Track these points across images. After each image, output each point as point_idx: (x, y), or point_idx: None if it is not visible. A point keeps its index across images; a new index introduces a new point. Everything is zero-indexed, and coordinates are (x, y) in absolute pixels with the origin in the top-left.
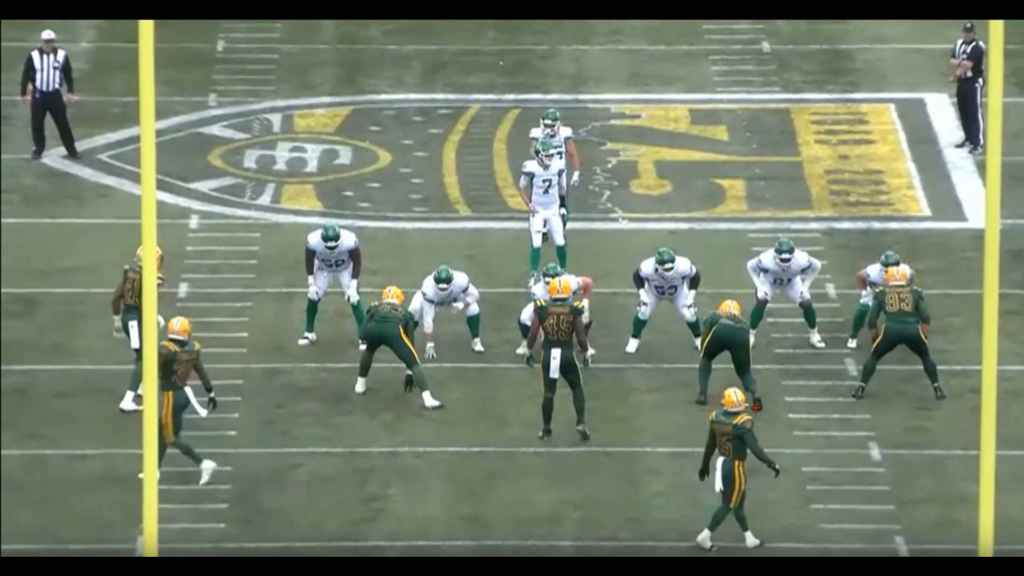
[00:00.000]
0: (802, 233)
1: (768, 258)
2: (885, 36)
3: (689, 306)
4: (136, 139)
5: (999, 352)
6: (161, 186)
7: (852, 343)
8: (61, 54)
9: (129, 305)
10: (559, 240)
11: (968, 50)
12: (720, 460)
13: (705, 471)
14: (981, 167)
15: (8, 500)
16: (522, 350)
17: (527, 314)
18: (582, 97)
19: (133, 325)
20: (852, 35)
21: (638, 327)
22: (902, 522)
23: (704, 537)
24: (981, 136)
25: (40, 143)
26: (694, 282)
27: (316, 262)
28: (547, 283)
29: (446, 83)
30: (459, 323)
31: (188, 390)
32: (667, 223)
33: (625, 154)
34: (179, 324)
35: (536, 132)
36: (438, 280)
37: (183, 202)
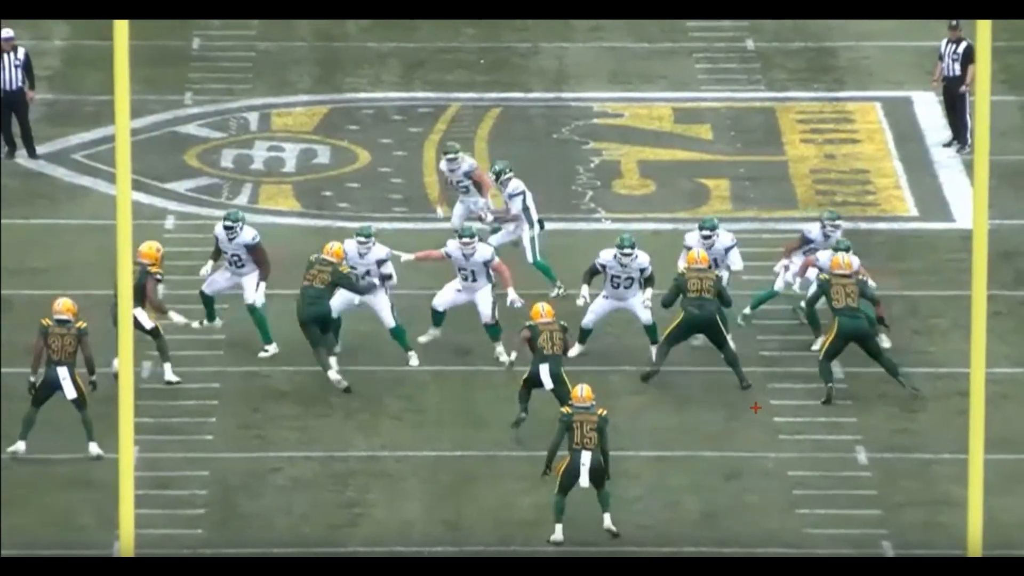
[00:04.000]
0: (788, 233)
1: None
2: (870, 33)
3: (647, 305)
4: (111, 138)
5: (987, 354)
6: (136, 186)
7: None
8: (21, 51)
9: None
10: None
11: (959, 51)
12: (586, 455)
13: (549, 467)
14: (969, 166)
15: None
16: (504, 357)
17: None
18: (564, 95)
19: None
20: (837, 32)
21: (584, 335)
22: (889, 526)
23: (607, 522)
24: (969, 135)
25: (10, 143)
26: (648, 281)
27: (222, 259)
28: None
29: (426, 81)
30: (450, 322)
31: (63, 370)
32: (650, 223)
33: (608, 154)
34: (62, 304)
35: (442, 165)
36: (460, 233)
37: (159, 202)
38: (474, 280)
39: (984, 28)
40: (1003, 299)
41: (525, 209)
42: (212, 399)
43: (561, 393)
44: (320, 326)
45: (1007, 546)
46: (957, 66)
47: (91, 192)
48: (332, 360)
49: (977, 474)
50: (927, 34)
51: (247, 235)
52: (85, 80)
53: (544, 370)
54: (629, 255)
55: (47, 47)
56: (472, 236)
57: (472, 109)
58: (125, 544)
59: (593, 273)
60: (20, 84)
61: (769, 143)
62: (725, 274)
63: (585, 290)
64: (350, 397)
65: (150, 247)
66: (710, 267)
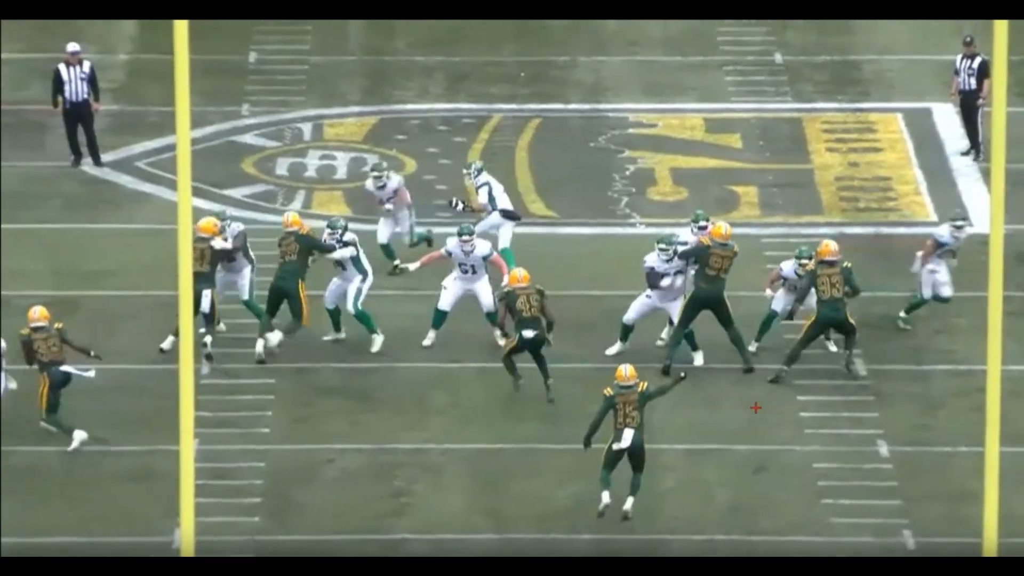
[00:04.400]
0: (813, 238)
1: (789, 266)
2: (892, 47)
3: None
4: (172, 147)
5: (1003, 352)
6: (196, 192)
7: (831, 346)
8: (87, 65)
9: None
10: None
11: (974, 66)
12: (628, 432)
13: (589, 443)
14: (986, 174)
15: (47, 495)
16: (502, 341)
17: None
18: (600, 107)
19: (206, 293)
20: (861, 46)
21: (626, 332)
22: (909, 516)
23: (628, 504)
24: (982, 145)
25: (77, 152)
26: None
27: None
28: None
29: (469, 93)
30: (480, 323)
31: (67, 367)
32: (683, 228)
33: (642, 162)
34: (37, 312)
35: (368, 184)
36: (460, 232)
37: (217, 208)
38: (473, 273)
39: (1001, 37)
40: (1018, 300)
41: (491, 199)
42: (268, 394)
43: (539, 358)
44: (279, 299)
45: (1022, 535)
46: (973, 80)
47: (153, 198)
48: (272, 334)
49: (993, 467)
50: (946, 48)
51: (235, 228)
52: (148, 92)
53: (528, 333)
54: (665, 250)
55: (112, 61)
56: (471, 234)
57: (513, 119)
58: (186, 532)
59: (654, 278)
60: (86, 96)
61: (796, 152)
62: (692, 272)
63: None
64: (397, 393)
65: (209, 221)
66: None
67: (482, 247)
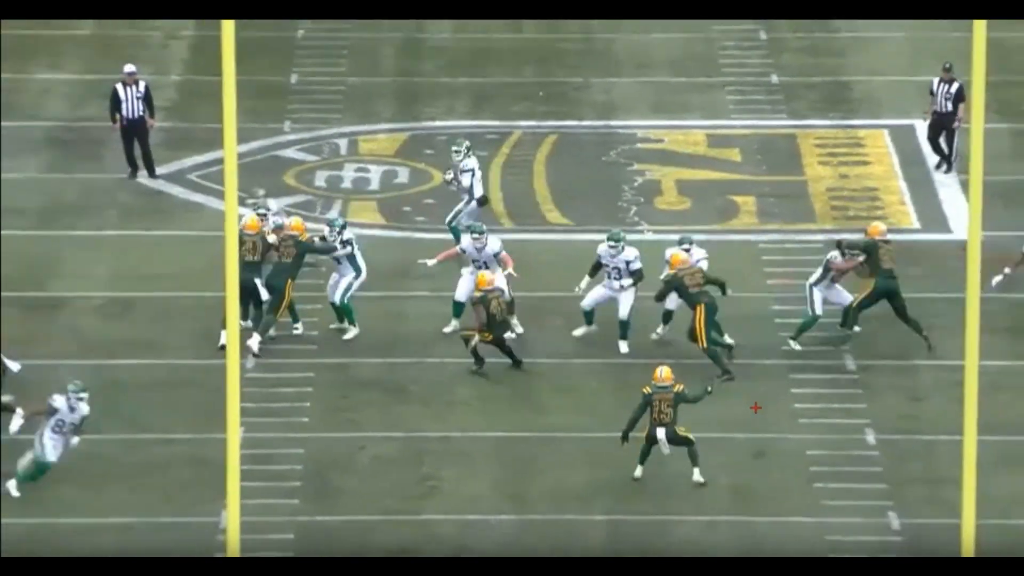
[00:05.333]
0: (807, 244)
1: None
2: (880, 69)
3: (628, 308)
4: (220, 161)
5: (980, 349)
6: (242, 202)
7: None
8: (142, 85)
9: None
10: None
11: (951, 90)
12: (661, 430)
13: (626, 437)
14: (964, 185)
15: (108, 479)
16: (519, 328)
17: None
18: (612, 123)
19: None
20: (851, 68)
21: (588, 317)
22: (894, 499)
23: (696, 475)
24: (955, 160)
25: (133, 165)
26: (634, 275)
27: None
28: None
29: (492, 111)
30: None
31: None
32: (691, 233)
33: (650, 174)
34: None
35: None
36: (472, 231)
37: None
38: (486, 268)
39: (979, 55)
40: (994, 300)
41: (471, 188)
42: (307, 387)
43: (507, 353)
44: (270, 292)
45: (999, 516)
46: (950, 104)
47: (203, 208)
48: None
49: (971, 454)
50: (930, 70)
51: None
52: (198, 110)
53: (500, 332)
54: (613, 248)
55: (165, 81)
56: (482, 232)
57: (532, 135)
58: (232, 512)
59: (596, 267)
60: (141, 113)
61: (791, 165)
62: (627, 281)
63: (585, 281)
64: (426, 386)
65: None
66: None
67: (493, 244)
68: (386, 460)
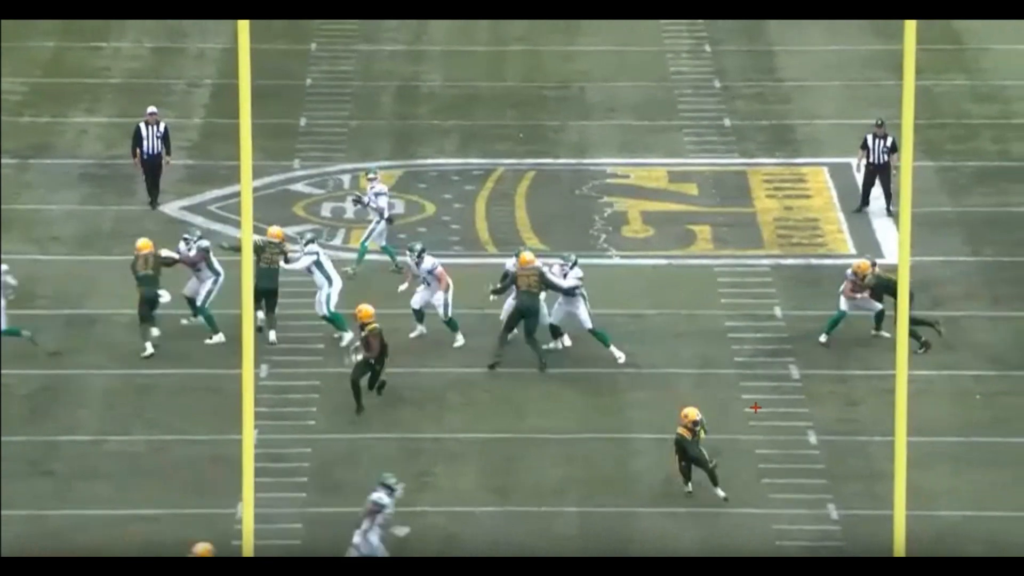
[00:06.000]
0: (756, 267)
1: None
2: (821, 113)
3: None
4: (237, 194)
5: (909, 360)
6: (256, 231)
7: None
8: (162, 125)
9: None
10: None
11: (887, 144)
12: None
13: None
14: (895, 216)
15: (136, 475)
16: (460, 341)
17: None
18: (584, 161)
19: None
20: (795, 112)
21: (555, 330)
22: (833, 492)
23: (719, 492)
24: (893, 200)
25: (153, 195)
26: (567, 291)
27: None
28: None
29: (478, 150)
30: (489, 336)
31: None
32: (651, 259)
33: (617, 206)
34: None
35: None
36: (409, 249)
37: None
38: (428, 284)
39: (908, 95)
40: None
41: (383, 210)
42: (314, 393)
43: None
44: (268, 296)
45: (926, 508)
46: (885, 155)
47: (221, 235)
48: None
49: (901, 452)
50: (866, 114)
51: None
52: (218, 149)
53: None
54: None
55: (188, 123)
56: (422, 251)
57: (513, 171)
58: (247, 504)
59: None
60: (159, 151)
61: (741, 198)
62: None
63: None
64: (421, 392)
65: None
66: (534, 268)
67: (427, 262)
68: (385, 458)
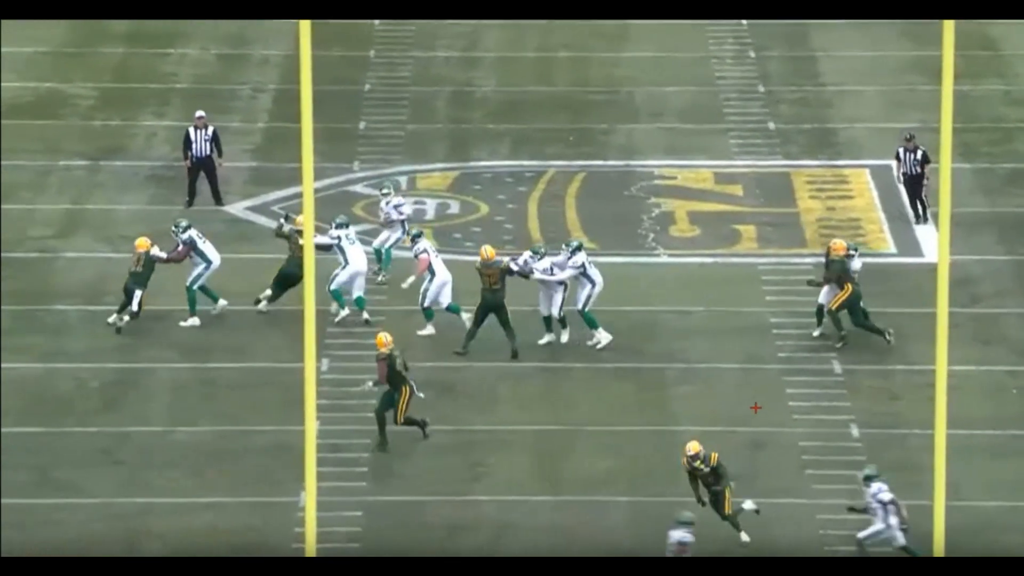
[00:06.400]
0: (799, 265)
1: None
2: (861, 117)
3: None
4: (299, 195)
5: (948, 356)
6: (318, 230)
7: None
8: (211, 129)
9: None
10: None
11: (917, 157)
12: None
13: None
14: (934, 217)
15: (204, 465)
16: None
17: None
18: (632, 163)
19: (137, 293)
20: (837, 116)
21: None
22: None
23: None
24: (928, 212)
25: (192, 196)
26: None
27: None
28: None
29: (530, 153)
30: (534, 332)
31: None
32: (697, 258)
33: (665, 206)
34: None
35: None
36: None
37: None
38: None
39: (947, 104)
40: (960, 315)
41: (401, 218)
42: (374, 387)
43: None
44: (293, 282)
45: (963, 498)
46: (917, 167)
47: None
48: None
49: (941, 445)
50: (905, 118)
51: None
52: (280, 152)
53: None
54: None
55: (253, 128)
56: (417, 235)
57: (564, 173)
58: (309, 493)
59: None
60: (209, 153)
61: (785, 198)
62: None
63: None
64: (473, 386)
65: (143, 240)
66: (496, 263)
67: (419, 246)
68: (440, 448)
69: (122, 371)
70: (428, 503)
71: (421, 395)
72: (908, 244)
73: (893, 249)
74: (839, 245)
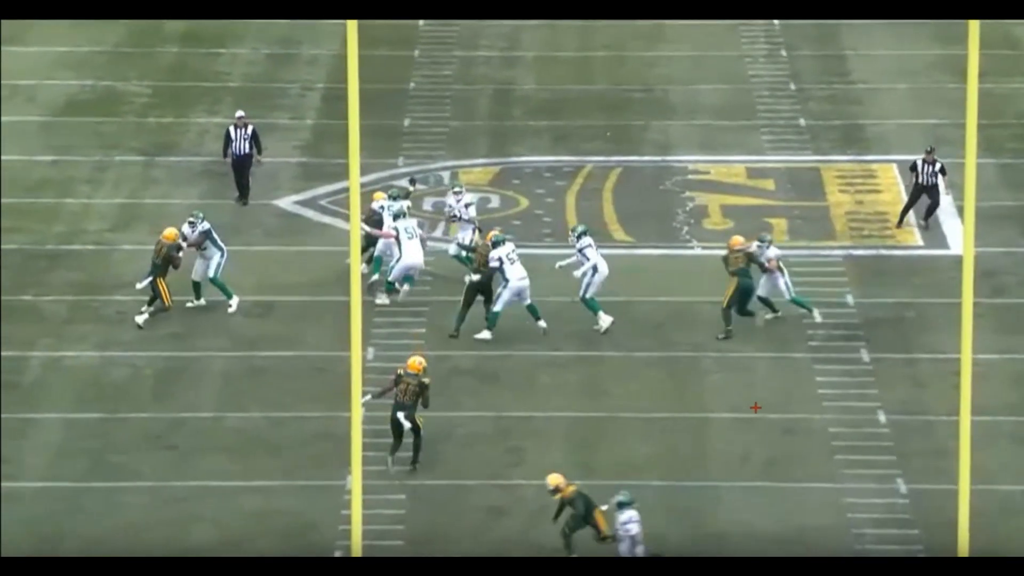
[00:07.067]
0: (829, 257)
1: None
2: (889, 113)
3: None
4: (346, 190)
5: (973, 345)
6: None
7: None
8: (250, 128)
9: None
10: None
11: (935, 169)
12: None
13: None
14: (960, 210)
15: (253, 450)
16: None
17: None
18: (667, 159)
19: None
20: (865, 113)
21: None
22: (901, 468)
23: None
24: (936, 213)
25: (241, 190)
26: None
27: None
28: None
29: (568, 149)
30: (575, 323)
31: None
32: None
33: (698, 200)
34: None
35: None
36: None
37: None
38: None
39: (972, 101)
40: (984, 305)
41: (468, 218)
42: None
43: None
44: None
45: (987, 483)
46: (934, 179)
47: (331, 227)
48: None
49: (966, 430)
50: (931, 115)
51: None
52: (328, 148)
53: (399, 414)
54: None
55: (302, 124)
56: (495, 240)
57: (601, 168)
58: (355, 476)
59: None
60: (248, 151)
61: (815, 193)
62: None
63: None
64: (512, 374)
65: (171, 231)
66: (474, 248)
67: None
68: (480, 435)
69: (175, 359)
70: (469, 487)
71: (408, 425)
72: (934, 237)
73: (920, 242)
74: (735, 240)
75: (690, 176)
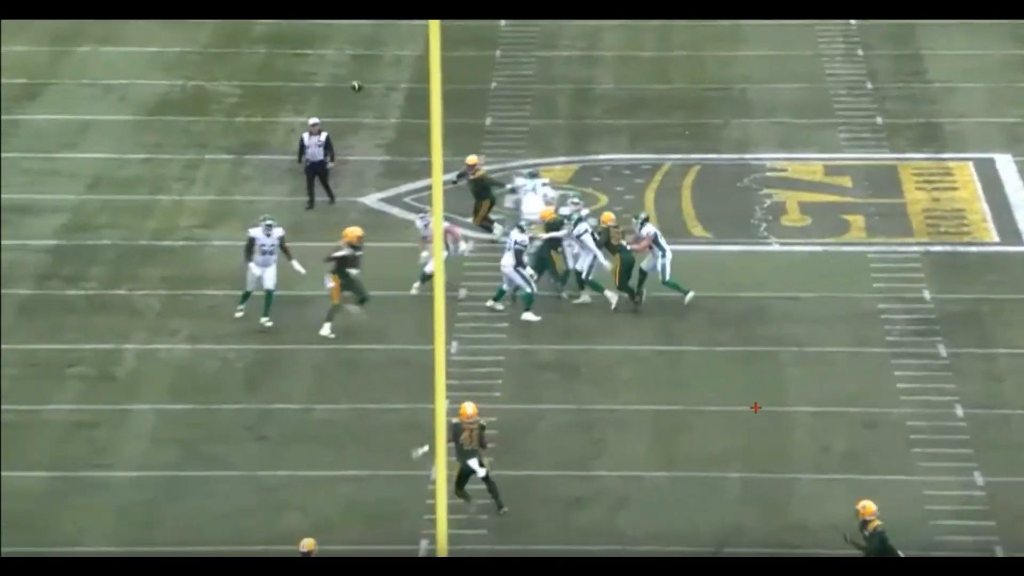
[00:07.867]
0: (906, 254)
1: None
2: (966, 112)
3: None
4: (428, 187)
5: None
6: (446, 219)
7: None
8: (324, 135)
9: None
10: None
11: None
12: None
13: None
14: None
15: (343, 440)
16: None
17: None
18: (745, 156)
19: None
20: (941, 112)
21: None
22: (978, 461)
23: None
24: None
25: (311, 197)
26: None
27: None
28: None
29: (647, 147)
30: (655, 318)
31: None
32: (808, 247)
33: (777, 197)
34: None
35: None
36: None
37: (460, 231)
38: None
39: None
40: None
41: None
42: (499, 368)
43: (487, 482)
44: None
45: None
46: None
47: (415, 224)
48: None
49: None
50: (1007, 113)
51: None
52: (412, 147)
53: (471, 463)
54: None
55: (386, 124)
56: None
57: (680, 166)
58: (440, 467)
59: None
60: (322, 158)
61: (892, 190)
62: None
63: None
64: (595, 367)
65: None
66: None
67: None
68: (562, 427)
69: (265, 352)
70: (552, 477)
71: (481, 472)
72: (1010, 233)
73: (996, 238)
74: (606, 216)
75: (768, 173)
